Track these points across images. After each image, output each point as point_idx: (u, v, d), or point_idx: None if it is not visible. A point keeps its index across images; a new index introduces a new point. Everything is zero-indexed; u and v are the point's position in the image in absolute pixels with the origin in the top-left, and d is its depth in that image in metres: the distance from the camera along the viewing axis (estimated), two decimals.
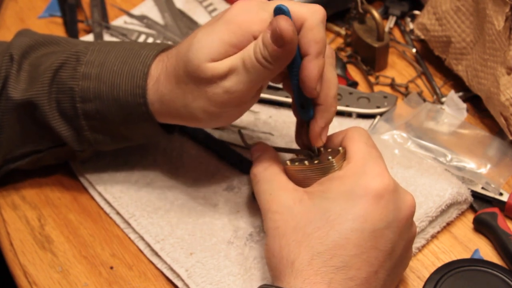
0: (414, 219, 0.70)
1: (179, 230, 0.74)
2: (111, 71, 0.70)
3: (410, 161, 0.77)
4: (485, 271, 0.67)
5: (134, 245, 0.75)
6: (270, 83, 0.79)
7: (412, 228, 0.64)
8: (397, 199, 0.61)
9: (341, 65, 0.89)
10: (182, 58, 0.65)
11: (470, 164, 0.77)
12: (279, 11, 0.61)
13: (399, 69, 0.91)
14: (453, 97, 0.84)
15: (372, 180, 0.60)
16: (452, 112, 0.83)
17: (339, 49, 0.94)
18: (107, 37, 0.97)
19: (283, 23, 0.59)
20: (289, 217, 0.62)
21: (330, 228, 0.59)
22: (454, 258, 0.70)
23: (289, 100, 0.84)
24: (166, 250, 0.72)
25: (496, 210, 0.73)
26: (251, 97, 0.66)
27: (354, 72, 0.91)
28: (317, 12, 0.62)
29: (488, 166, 0.76)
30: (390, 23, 0.95)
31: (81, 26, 0.99)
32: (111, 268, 0.73)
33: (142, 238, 0.74)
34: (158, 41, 0.96)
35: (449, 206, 0.73)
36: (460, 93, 0.86)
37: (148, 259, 0.73)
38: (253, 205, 0.76)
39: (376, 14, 0.87)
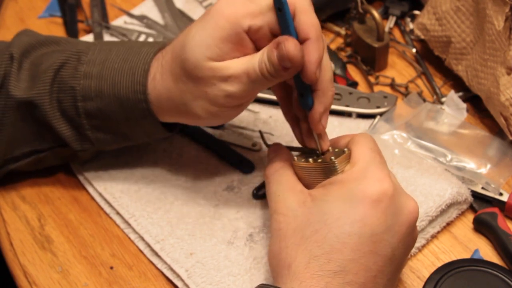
0: None
1: (179, 230, 0.74)
2: (112, 69, 0.70)
3: (410, 161, 0.77)
4: (485, 271, 0.67)
5: (134, 245, 0.75)
6: None
7: (414, 233, 0.63)
8: (397, 204, 0.61)
9: (341, 65, 0.89)
10: (178, 55, 0.65)
11: (470, 164, 0.77)
12: (277, 1, 0.60)
13: (399, 69, 0.91)
14: (453, 97, 0.84)
15: (372, 185, 0.60)
16: (452, 112, 0.83)
17: (339, 49, 0.94)
18: (107, 37, 0.97)
19: (292, 48, 0.59)
20: (291, 219, 0.62)
21: (328, 232, 0.59)
22: (454, 258, 0.70)
23: None
24: (166, 250, 0.72)
25: (496, 210, 0.73)
26: (252, 98, 0.67)
27: (354, 72, 0.91)
28: None
29: (488, 166, 0.76)
30: (390, 23, 0.95)
31: (81, 26, 0.99)
32: (111, 268, 0.73)
33: (142, 238, 0.74)
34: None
35: (449, 206, 0.73)
36: (460, 93, 0.86)
37: (148, 259, 0.73)
38: (253, 206, 0.76)
39: (376, 14, 0.87)
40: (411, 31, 0.93)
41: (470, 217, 0.75)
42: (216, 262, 0.71)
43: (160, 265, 0.72)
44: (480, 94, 0.81)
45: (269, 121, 0.84)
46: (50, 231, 0.76)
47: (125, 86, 0.69)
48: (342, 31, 0.95)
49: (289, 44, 0.59)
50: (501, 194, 0.74)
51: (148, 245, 0.74)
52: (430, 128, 0.81)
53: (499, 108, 0.77)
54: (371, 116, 0.84)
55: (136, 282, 0.72)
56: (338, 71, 0.89)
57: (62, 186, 0.80)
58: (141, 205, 0.76)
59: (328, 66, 0.65)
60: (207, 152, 0.81)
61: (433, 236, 0.73)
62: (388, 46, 0.89)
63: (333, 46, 0.94)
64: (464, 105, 0.83)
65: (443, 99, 0.85)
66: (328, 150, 0.67)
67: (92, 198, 0.79)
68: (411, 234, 0.63)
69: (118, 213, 0.77)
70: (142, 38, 0.96)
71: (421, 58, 0.91)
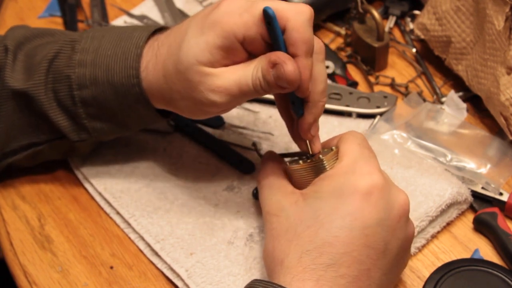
0: (414, 218, 0.70)
1: (179, 230, 0.74)
2: (105, 56, 0.70)
3: (410, 161, 0.77)
4: (485, 271, 0.67)
5: (134, 245, 0.75)
6: None
7: (408, 227, 0.64)
8: (388, 197, 0.61)
9: (341, 65, 0.89)
10: (173, 54, 0.65)
11: (470, 164, 0.77)
12: (266, 15, 0.61)
13: (399, 69, 0.91)
14: (453, 97, 0.84)
15: (361, 178, 0.61)
16: (452, 112, 0.83)
17: (339, 49, 0.94)
18: None
19: (291, 71, 0.60)
20: (283, 219, 0.63)
21: (320, 227, 0.60)
22: (454, 258, 0.70)
23: None
24: (166, 250, 0.72)
25: (496, 210, 0.73)
26: (239, 104, 0.68)
27: (354, 72, 0.91)
28: (303, 13, 0.61)
29: (488, 166, 0.76)
30: (390, 23, 0.95)
31: (81, 26, 0.98)
32: (111, 268, 0.73)
33: (142, 238, 0.74)
34: None
35: (449, 206, 0.73)
36: (460, 93, 0.85)
37: (148, 259, 0.73)
38: (253, 205, 0.76)
39: (376, 14, 0.87)
40: (411, 31, 0.93)
41: (470, 217, 0.75)
42: (216, 262, 0.71)
43: (160, 265, 0.72)
44: (480, 94, 0.81)
45: (269, 121, 0.84)
46: (50, 231, 0.76)
47: (119, 72, 0.69)
48: (342, 31, 0.95)
49: (288, 68, 0.60)
50: (501, 194, 0.74)
51: (148, 245, 0.74)
52: (430, 128, 0.81)
53: (499, 108, 0.77)
54: (371, 116, 0.84)
55: (136, 282, 0.72)
56: (338, 71, 0.89)
57: (62, 186, 0.80)
58: (141, 204, 0.76)
59: (322, 78, 0.65)
60: (207, 152, 0.81)
61: (433, 236, 0.73)
62: (388, 46, 0.89)
63: (333, 46, 0.94)
64: (464, 105, 0.83)
65: (443, 99, 0.85)
66: (319, 152, 0.67)
67: (92, 198, 0.79)
68: (404, 227, 0.63)
69: (118, 212, 0.77)
70: None
71: (421, 58, 0.91)
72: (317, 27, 0.96)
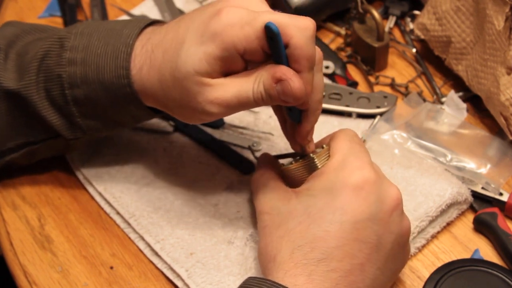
0: (414, 219, 0.70)
1: (179, 230, 0.74)
2: (95, 54, 0.69)
3: (410, 161, 0.77)
4: (485, 271, 0.67)
5: (134, 245, 0.75)
6: None
7: (402, 222, 0.64)
8: (380, 191, 0.62)
9: (341, 65, 0.89)
10: (170, 60, 0.64)
11: (470, 164, 0.77)
12: (269, 31, 0.60)
13: (399, 69, 0.91)
14: (453, 97, 0.84)
15: (351, 173, 0.62)
16: (452, 112, 0.83)
17: (339, 49, 0.94)
18: None
19: (298, 88, 0.60)
20: (276, 216, 0.64)
21: (311, 222, 0.61)
22: (454, 258, 0.70)
23: None
24: (166, 250, 0.72)
25: (496, 210, 0.73)
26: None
27: (354, 72, 0.91)
28: (306, 29, 0.61)
29: (488, 166, 0.76)
30: (390, 23, 0.95)
31: None
32: (111, 268, 0.73)
33: (142, 238, 0.74)
34: None
35: (449, 206, 0.73)
36: (460, 93, 0.85)
37: (148, 259, 0.73)
38: (253, 205, 0.75)
39: (376, 14, 0.87)
40: (411, 31, 0.93)
41: (470, 217, 0.75)
42: (216, 262, 0.71)
43: (160, 265, 0.72)
44: (480, 94, 0.81)
45: (269, 121, 0.84)
46: (50, 231, 0.76)
47: (109, 71, 0.68)
48: (342, 31, 0.95)
49: (296, 85, 0.60)
50: (501, 194, 0.74)
51: (148, 245, 0.74)
52: (430, 128, 0.81)
53: (499, 108, 0.77)
54: (371, 116, 0.84)
55: (136, 282, 0.72)
56: (338, 71, 0.89)
57: (62, 186, 0.80)
58: (141, 204, 0.76)
59: (320, 87, 0.65)
60: (207, 152, 0.81)
61: (433, 236, 0.73)
62: (388, 46, 0.89)
63: (333, 46, 0.94)
64: (464, 105, 0.83)
65: (443, 99, 0.85)
66: (312, 151, 0.68)
67: (92, 198, 0.79)
68: (397, 222, 0.63)
69: (118, 213, 0.77)
70: None
71: (421, 58, 0.91)
72: (317, 27, 0.96)
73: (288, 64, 0.61)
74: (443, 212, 0.73)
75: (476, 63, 0.80)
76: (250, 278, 0.61)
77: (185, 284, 0.70)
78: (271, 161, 0.71)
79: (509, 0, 0.74)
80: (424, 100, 0.85)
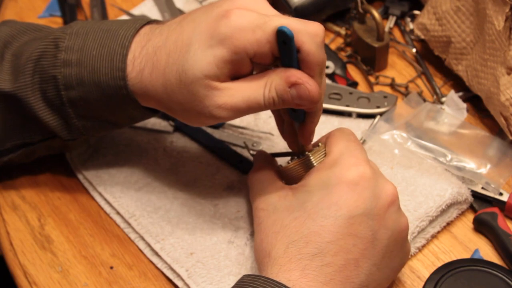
0: (414, 219, 0.70)
1: (179, 230, 0.74)
2: (90, 56, 0.68)
3: (410, 161, 0.77)
4: (485, 271, 0.67)
5: (134, 245, 0.75)
6: None
7: (399, 219, 0.64)
8: (375, 187, 0.62)
9: (341, 65, 0.89)
10: (176, 64, 0.63)
11: (470, 164, 0.77)
12: (283, 35, 0.59)
13: (399, 69, 0.91)
14: (453, 97, 0.84)
15: (347, 170, 0.62)
16: (452, 112, 0.83)
17: (339, 49, 0.94)
18: None
19: (315, 92, 0.60)
20: (272, 212, 0.64)
21: (306, 218, 0.61)
22: (454, 258, 0.70)
23: None
24: (166, 250, 0.72)
25: (496, 210, 0.73)
26: None
27: (354, 72, 0.91)
28: (317, 35, 0.61)
29: (488, 166, 0.76)
30: (390, 23, 0.95)
31: None
32: (111, 268, 0.73)
33: (142, 238, 0.74)
34: None
35: (449, 206, 0.73)
36: (460, 93, 0.86)
37: (148, 259, 0.73)
38: None
39: (376, 14, 0.87)
40: (411, 31, 0.93)
41: (470, 217, 0.75)
42: (216, 262, 0.71)
43: (160, 264, 0.72)
44: (480, 94, 0.81)
45: (269, 121, 0.84)
46: (50, 231, 0.76)
47: (105, 73, 0.68)
48: (342, 31, 0.95)
49: (313, 88, 0.60)
50: (501, 194, 0.74)
51: (148, 245, 0.74)
52: (430, 128, 0.81)
53: (499, 108, 0.77)
54: (371, 116, 0.84)
55: (136, 282, 0.72)
56: (338, 71, 0.89)
57: (62, 186, 0.80)
58: (141, 204, 0.76)
59: (323, 88, 0.66)
60: (207, 152, 0.81)
61: (433, 236, 0.73)
62: (388, 46, 0.89)
63: (333, 46, 0.94)
64: (464, 105, 0.83)
65: (443, 99, 0.85)
66: (309, 150, 0.68)
67: (92, 198, 0.79)
68: (393, 218, 0.63)
69: (118, 213, 0.77)
70: None
71: (421, 58, 0.91)
72: None
73: (299, 68, 0.61)
74: (443, 212, 0.73)
75: (476, 63, 0.81)
76: (245, 276, 0.61)
77: (185, 284, 0.70)
78: (267, 159, 0.72)
79: (509, 0, 0.74)
80: (424, 100, 0.85)
